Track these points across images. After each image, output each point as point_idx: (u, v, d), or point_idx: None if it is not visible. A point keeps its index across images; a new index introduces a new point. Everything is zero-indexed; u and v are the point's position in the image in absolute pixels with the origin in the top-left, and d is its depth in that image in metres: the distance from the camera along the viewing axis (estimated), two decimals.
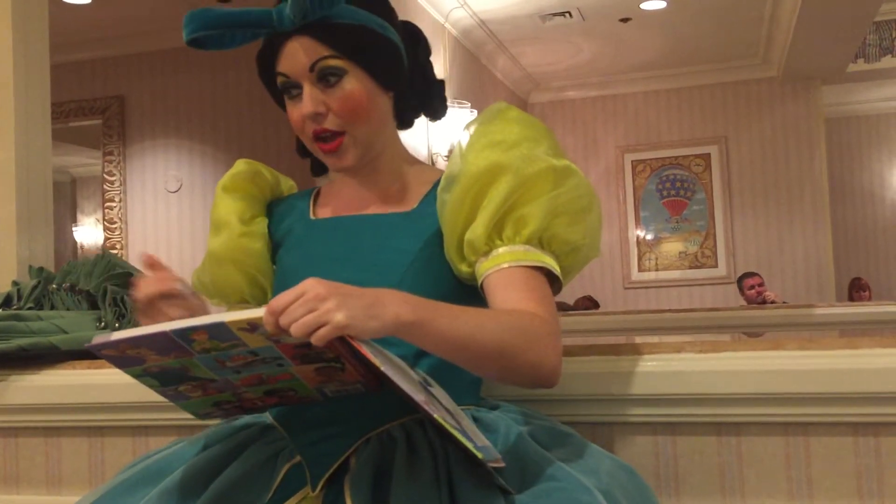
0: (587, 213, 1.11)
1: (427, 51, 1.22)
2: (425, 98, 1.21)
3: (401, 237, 1.14)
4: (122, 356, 0.91)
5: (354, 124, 1.11)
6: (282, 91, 1.14)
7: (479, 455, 0.90)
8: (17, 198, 1.89)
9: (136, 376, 0.95)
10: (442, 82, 1.24)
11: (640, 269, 6.92)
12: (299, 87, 1.11)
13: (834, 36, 5.46)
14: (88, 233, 5.87)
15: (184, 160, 5.44)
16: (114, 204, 5.54)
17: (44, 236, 1.96)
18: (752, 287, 5.70)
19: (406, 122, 1.22)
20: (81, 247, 5.88)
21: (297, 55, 1.09)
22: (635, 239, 6.95)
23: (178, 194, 5.44)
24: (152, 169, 5.50)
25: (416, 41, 1.19)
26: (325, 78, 1.10)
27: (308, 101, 1.10)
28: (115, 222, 5.53)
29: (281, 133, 4.95)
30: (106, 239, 5.53)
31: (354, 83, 1.10)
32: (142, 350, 0.90)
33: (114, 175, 5.54)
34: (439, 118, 1.25)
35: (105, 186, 5.56)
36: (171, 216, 5.45)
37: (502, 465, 0.95)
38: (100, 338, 0.90)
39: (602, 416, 1.24)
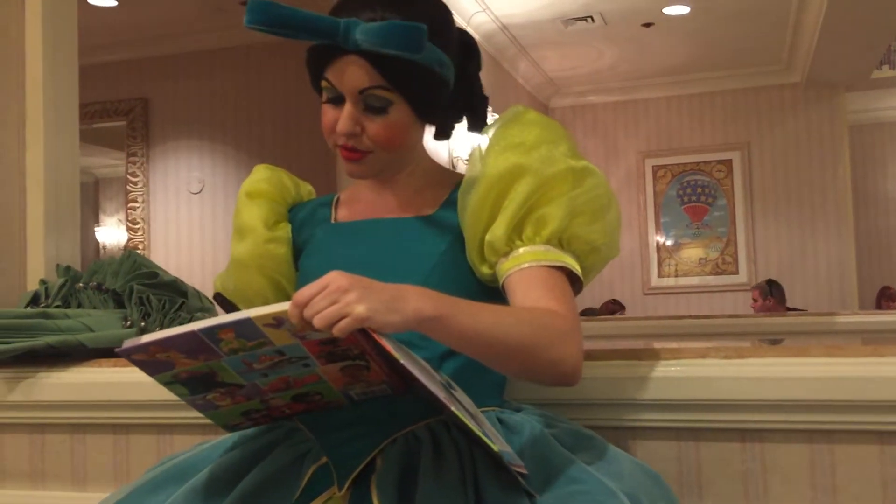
0: (606, 212, 1.12)
1: (478, 65, 1.20)
2: (468, 113, 1.20)
3: (422, 241, 1.14)
4: (153, 360, 0.92)
5: (384, 150, 1.11)
6: (322, 90, 1.13)
7: (495, 448, 0.90)
8: (45, 197, 1.91)
9: (165, 384, 0.96)
10: (486, 99, 1.22)
11: (660, 275, 6.88)
12: (342, 98, 1.10)
13: (858, 42, 5.41)
14: (111, 233, 5.93)
15: (206, 162, 5.49)
16: (137, 205, 5.59)
17: (71, 235, 1.98)
18: (754, 301, 5.64)
19: (445, 135, 1.20)
20: (104, 247, 5.93)
21: (352, 75, 1.07)
22: (655, 244, 6.92)
23: (201, 195, 5.48)
24: (175, 170, 5.54)
25: (468, 55, 1.18)
26: (371, 104, 1.08)
27: (346, 121, 1.09)
28: (137, 223, 5.58)
29: (302, 136, 4.97)
30: (129, 239, 5.58)
31: (397, 116, 1.09)
32: (171, 353, 0.91)
33: (137, 176, 5.60)
34: (476, 131, 1.23)
35: (128, 187, 5.61)
36: (193, 217, 5.49)
37: (525, 471, 0.95)
38: (130, 342, 0.90)
39: (625, 420, 1.24)
